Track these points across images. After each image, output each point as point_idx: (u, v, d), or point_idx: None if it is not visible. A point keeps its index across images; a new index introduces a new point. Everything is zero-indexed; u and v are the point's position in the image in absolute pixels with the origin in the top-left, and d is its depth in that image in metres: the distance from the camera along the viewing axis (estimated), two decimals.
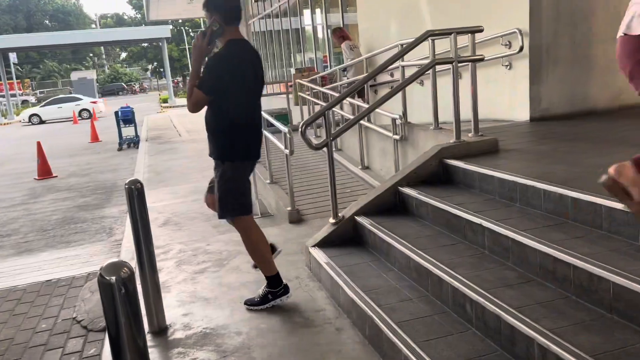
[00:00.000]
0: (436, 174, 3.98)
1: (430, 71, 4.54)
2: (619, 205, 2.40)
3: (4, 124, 30.07)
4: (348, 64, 8.37)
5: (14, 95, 36.45)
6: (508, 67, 5.50)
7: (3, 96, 33.42)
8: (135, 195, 3.20)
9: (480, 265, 2.82)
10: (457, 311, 2.66)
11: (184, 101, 35.05)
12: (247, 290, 3.71)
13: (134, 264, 3.29)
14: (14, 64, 48.34)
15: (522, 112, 5.40)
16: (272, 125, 5.98)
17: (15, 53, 46.46)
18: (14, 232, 6.64)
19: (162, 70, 51.51)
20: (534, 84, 5.28)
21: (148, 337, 3.23)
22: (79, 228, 6.57)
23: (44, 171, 10.63)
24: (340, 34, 9.06)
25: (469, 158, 3.85)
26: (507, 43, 5.44)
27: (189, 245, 4.89)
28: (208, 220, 5.70)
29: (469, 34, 4.07)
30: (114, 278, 1.67)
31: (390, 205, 3.98)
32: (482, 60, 4.12)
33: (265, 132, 6.07)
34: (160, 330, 3.28)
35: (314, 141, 4.23)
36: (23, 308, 4.16)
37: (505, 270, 2.73)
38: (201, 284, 3.94)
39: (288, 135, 5.07)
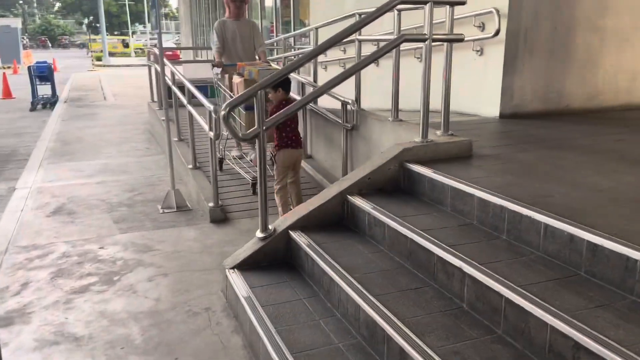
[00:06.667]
0: (395, 181, 3.15)
1: (394, 50, 3.69)
2: None
3: None
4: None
5: None
6: (479, 53, 4.73)
7: None
8: None
9: (458, 331, 2.00)
10: None
11: (119, 61, 32.55)
12: (137, 327, 2.76)
13: None
14: None
15: (491, 107, 4.66)
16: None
17: None
18: None
19: (98, 25, 47.94)
20: (507, 75, 4.54)
21: None
22: None
23: None
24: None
25: (437, 164, 3.04)
26: (481, 25, 4.66)
27: (76, 248, 3.84)
28: (110, 211, 4.63)
29: (448, 6, 3.20)
30: None
31: (337, 218, 3.10)
32: (461, 40, 3.26)
33: (189, 107, 5.02)
34: None
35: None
36: None
37: (495, 343, 1.93)
38: (75, 312, 2.93)
39: (213, 115, 4.06)
